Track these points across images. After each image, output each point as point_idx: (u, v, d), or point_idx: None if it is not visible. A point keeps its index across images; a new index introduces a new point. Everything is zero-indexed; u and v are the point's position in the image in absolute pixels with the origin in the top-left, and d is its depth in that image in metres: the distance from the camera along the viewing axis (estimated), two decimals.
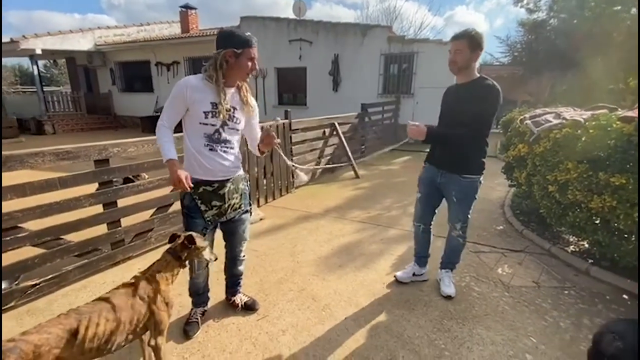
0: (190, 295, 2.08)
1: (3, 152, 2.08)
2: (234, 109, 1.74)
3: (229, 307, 2.23)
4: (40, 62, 24.89)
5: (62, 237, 2.45)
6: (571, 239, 3.17)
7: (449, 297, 2.32)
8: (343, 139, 5.69)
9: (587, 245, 2.96)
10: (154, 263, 1.57)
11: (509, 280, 2.58)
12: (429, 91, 8.19)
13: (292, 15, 10.16)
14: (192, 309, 2.10)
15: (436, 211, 2.41)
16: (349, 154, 5.74)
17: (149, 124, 11.40)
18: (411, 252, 2.92)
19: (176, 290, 2.26)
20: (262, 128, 1.98)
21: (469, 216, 2.27)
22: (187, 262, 1.62)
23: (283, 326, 2.07)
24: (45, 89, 18.45)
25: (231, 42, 1.62)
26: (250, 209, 2.01)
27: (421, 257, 2.55)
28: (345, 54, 9.20)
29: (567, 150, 2.61)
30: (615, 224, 2.36)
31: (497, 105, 1.98)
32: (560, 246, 3.06)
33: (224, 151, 1.76)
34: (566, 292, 2.44)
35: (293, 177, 4.87)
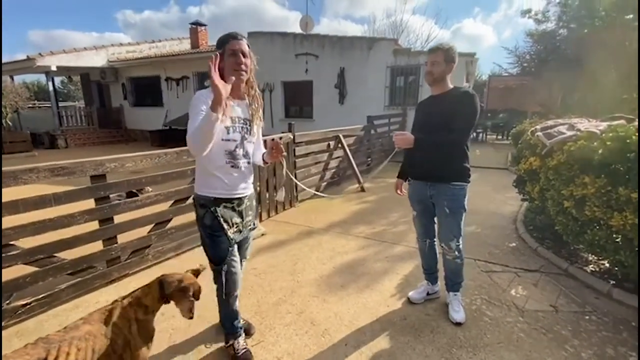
0: (226, 327, 1.89)
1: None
2: (248, 121, 1.71)
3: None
4: (58, 79, 25.84)
5: (55, 254, 2.39)
6: (590, 258, 2.97)
7: (458, 324, 2.16)
8: (348, 151, 5.60)
9: (608, 265, 2.76)
10: (138, 288, 1.48)
11: (523, 303, 2.40)
12: None
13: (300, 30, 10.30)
14: (232, 345, 1.87)
15: (436, 221, 2.31)
16: (354, 166, 5.64)
17: (158, 138, 11.57)
18: (417, 272, 2.79)
19: (170, 312, 2.17)
20: (264, 141, 1.91)
21: (463, 231, 2.16)
22: (169, 300, 1.50)
23: (278, 353, 1.94)
24: (61, 104, 19.06)
25: (217, 47, 1.61)
26: (256, 225, 1.94)
27: (431, 273, 2.43)
28: (351, 67, 9.22)
29: (582, 164, 2.45)
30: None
31: (477, 109, 1.98)
32: (579, 265, 2.86)
33: (245, 166, 1.72)
34: (587, 317, 2.24)
35: (297, 190, 4.78)
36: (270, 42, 10.06)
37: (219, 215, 1.65)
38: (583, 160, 2.45)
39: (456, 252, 2.17)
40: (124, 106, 13.92)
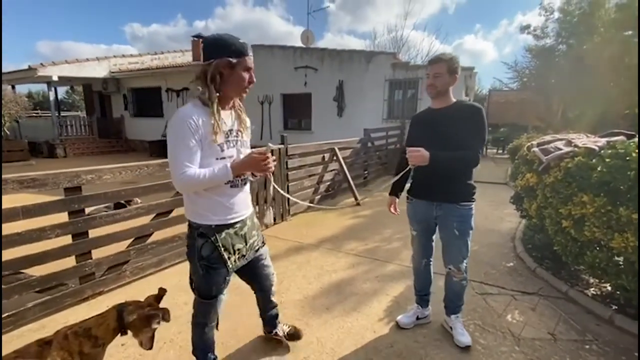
0: (198, 356, 1.73)
1: None
2: (240, 132, 1.52)
3: (264, 342, 2.08)
4: (63, 89, 26.15)
5: (22, 270, 2.26)
6: (592, 280, 2.81)
7: (467, 347, 2.02)
8: (343, 164, 5.50)
9: (610, 289, 2.60)
10: (90, 317, 1.35)
11: (519, 330, 2.23)
12: None
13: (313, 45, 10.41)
14: None
15: (434, 240, 2.19)
16: (350, 179, 5.52)
17: (157, 148, 11.55)
18: (408, 293, 2.64)
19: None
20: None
21: (470, 251, 2.04)
22: (127, 331, 1.36)
23: None
24: (65, 114, 19.23)
25: (225, 50, 1.35)
26: (264, 241, 1.82)
27: (423, 295, 2.29)
28: (349, 80, 9.22)
29: (581, 182, 2.33)
30: None
31: (486, 123, 1.88)
32: (579, 288, 2.70)
33: (244, 183, 1.56)
34: (587, 346, 2.08)
35: (289, 204, 4.66)
36: (270, 55, 10.12)
37: (220, 245, 1.47)
38: (581, 177, 2.33)
39: (464, 274, 2.05)
40: (125, 117, 13.97)
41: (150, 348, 1.43)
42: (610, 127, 3.19)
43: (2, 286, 2.16)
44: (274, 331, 2.04)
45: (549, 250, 3.22)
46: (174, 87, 12.32)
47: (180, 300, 2.58)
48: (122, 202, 4.24)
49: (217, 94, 1.39)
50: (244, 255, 1.60)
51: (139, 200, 4.23)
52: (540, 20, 10.27)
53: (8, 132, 10.87)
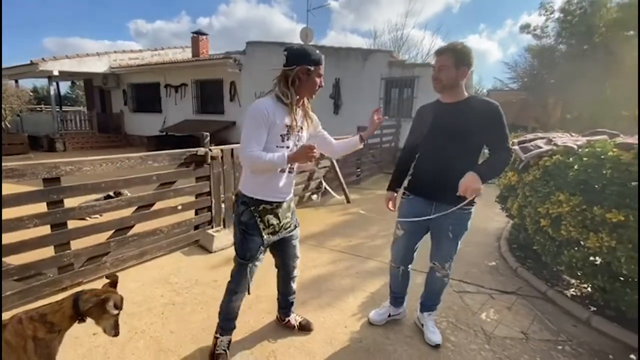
0: (220, 319, 1.90)
1: None
2: (301, 128, 1.75)
3: (283, 327, 2.17)
4: (68, 84, 26.25)
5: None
6: (573, 281, 2.78)
7: (437, 346, 2.00)
8: (334, 161, 5.48)
9: (589, 290, 2.58)
10: (46, 304, 1.36)
11: (492, 328, 2.22)
12: None
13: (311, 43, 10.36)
14: (217, 339, 1.89)
15: (416, 248, 2.09)
16: (340, 177, 5.51)
17: (154, 143, 11.57)
18: (385, 289, 2.62)
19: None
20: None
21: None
22: (85, 318, 1.37)
23: None
24: (68, 108, 19.31)
25: (305, 59, 1.61)
26: (298, 223, 1.98)
27: (398, 297, 2.25)
28: (346, 78, 9.19)
29: (558, 180, 2.31)
30: (617, 268, 2.01)
31: (505, 119, 1.73)
32: (559, 289, 2.68)
33: (291, 172, 1.78)
34: (560, 347, 2.06)
35: None
36: (267, 52, 10.10)
37: (257, 215, 1.71)
38: (558, 176, 2.31)
39: (448, 271, 2.01)
40: (124, 112, 14.02)
41: (116, 335, 1.43)
42: (610, 129, 3.11)
43: None
44: (287, 319, 2.17)
45: (532, 250, 3.20)
46: (173, 82, 12.33)
47: (157, 293, 2.59)
48: (111, 194, 4.30)
49: (297, 97, 1.65)
50: (276, 232, 1.79)
51: (128, 193, 4.25)
52: (540, 20, 10.17)
53: (9, 126, 10.95)
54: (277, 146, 1.64)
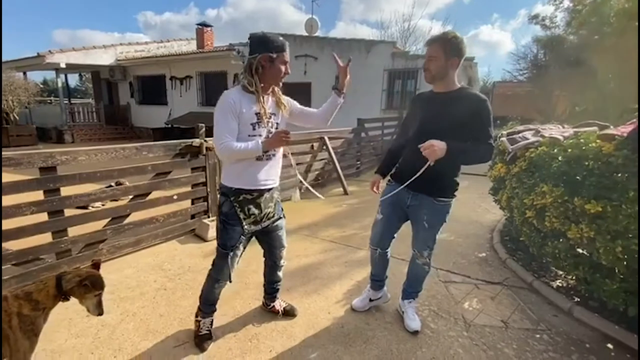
0: (201, 303, 1.98)
1: None
2: (273, 115, 1.76)
3: (268, 313, 2.25)
4: (77, 77, 26.55)
5: None
6: (560, 273, 2.79)
7: (415, 332, 2.05)
8: (333, 154, 5.51)
9: (574, 281, 2.59)
10: (31, 283, 1.44)
11: (473, 317, 2.26)
12: None
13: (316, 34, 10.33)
14: (199, 322, 1.97)
15: (395, 236, 2.14)
16: (339, 169, 5.54)
17: (160, 135, 11.71)
18: None
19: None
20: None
21: (436, 242, 2.02)
22: (69, 297, 1.45)
23: (198, 357, 1.87)
24: (77, 101, 19.59)
25: (266, 46, 1.61)
26: (283, 214, 2.02)
27: (377, 280, 2.30)
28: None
29: (542, 172, 2.31)
30: (597, 259, 2.02)
31: (491, 115, 1.74)
32: (546, 280, 2.70)
33: (269, 160, 1.77)
34: (538, 335, 2.09)
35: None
36: None
37: (236, 205, 1.74)
38: (543, 167, 2.31)
39: (427, 259, 2.04)
40: (131, 104, 14.19)
41: (99, 314, 1.51)
42: (617, 122, 3.04)
43: None
44: (272, 305, 2.24)
45: (522, 242, 3.21)
46: (178, 75, 12.42)
47: (150, 279, 2.69)
48: (113, 184, 4.42)
49: (261, 85, 1.65)
50: (258, 221, 1.82)
51: (127, 182, 4.36)
52: (550, 10, 9.88)
53: (17, 118, 11.19)
54: (249, 135, 1.67)
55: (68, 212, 2.70)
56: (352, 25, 44.55)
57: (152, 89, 13.56)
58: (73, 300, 1.48)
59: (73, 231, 2.75)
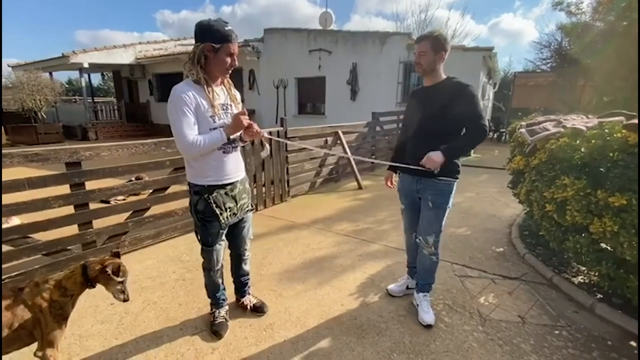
0: (210, 296, 2.04)
1: None
2: (230, 105, 1.74)
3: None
4: (99, 76, 27.45)
5: (30, 235, 2.53)
6: (582, 268, 2.70)
7: (429, 326, 2.06)
8: (347, 148, 5.49)
9: (596, 277, 2.50)
10: (60, 272, 1.53)
11: (489, 312, 2.23)
12: None
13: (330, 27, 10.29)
14: (213, 313, 2.04)
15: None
16: (353, 163, 5.53)
17: None
18: (385, 272, 2.73)
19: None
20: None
21: (443, 228, 2.06)
22: (94, 284, 1.54)
23: (216, 344, 1.93)
24: (100, 99, 20.31)
25: (210, 36, 1.55)
26: (253, 207, 2.04)
27: (413, 267, 2.35)
28: (363, 63, 9.04)
29: (564, 164, 2.23)
30: (620, 254, 1.94)
31: (476, 94, 1.89)
32: (567, 276, 2.62)
33: (235, 151, 1.78)
34: (557, 332, 2.04)
35: (289, 185, 4.76)
36: (284, 39, 10.10)
37: (212, 202, 1.72)
38: (564, 159, 2.23)
39: (433, 248, 2.08)
40: (150, 101, 14.57)
41: (125, 300, 1.59)
42: None
43: (12, 248, 2.44)
44: (242, 300, 2.22)
45: (543, 237, 3.11)
46: None
47: (169, 269, 2.79)
48: (133, 178, 4.59)
49: (205, 75, 1.61)
50: (235, 214, 1.84)
51: (146, 177, 4.50)
52: None
53: (45, 116, 11.70)
54: (210, 128, 1.63)
55: (92, 206, 2.82)
56: (367, 18, 43.98)
57: (171, 86, 13.45)
58: (99, 288, 1.56)
59: (97, 224, 2.88)
